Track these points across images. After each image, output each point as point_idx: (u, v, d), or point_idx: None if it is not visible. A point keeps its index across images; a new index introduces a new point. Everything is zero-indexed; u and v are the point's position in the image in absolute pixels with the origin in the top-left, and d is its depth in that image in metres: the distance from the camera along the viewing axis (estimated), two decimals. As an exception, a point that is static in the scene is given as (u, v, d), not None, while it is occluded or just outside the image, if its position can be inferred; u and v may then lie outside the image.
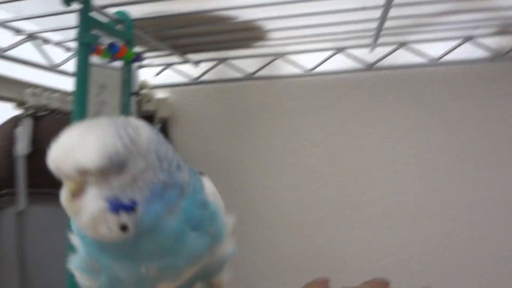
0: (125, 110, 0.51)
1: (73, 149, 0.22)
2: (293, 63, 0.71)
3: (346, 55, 0.69)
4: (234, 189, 0.76)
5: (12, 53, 0.53)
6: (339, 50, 0.69)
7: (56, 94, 0.58)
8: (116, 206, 0.23)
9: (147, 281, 0.27)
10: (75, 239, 0.28)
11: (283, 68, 0.73)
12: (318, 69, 0.71)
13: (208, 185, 0.30)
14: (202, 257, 0.28)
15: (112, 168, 0.22)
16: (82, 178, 0.22)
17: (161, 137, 0.26)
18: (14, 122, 0.55)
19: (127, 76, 0.50)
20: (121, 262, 0.26)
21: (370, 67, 0.70)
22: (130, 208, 0.23)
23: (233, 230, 0.32)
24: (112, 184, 0.23)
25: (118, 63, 0.49)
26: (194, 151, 0.77)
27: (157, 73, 0.75)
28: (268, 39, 0.66)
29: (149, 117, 0.74)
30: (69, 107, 0.60)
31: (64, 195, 0.23)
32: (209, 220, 0.28)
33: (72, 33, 0.56)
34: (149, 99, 0.74)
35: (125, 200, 0.23)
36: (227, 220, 0.31)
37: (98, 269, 0.28)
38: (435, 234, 0.70)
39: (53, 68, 0.60)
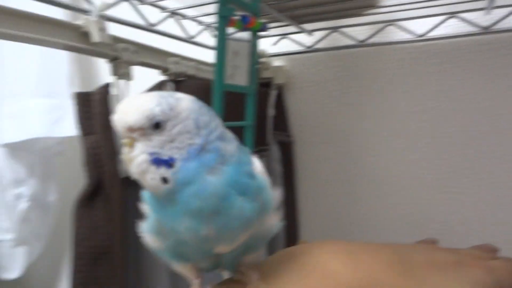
0: (252, 74, 0.58)
1: (124, 112, 0.28)
2: (404, 30, 0.73)
3: (459, 19, 0.69)
4: (343, 152, 0.81)
5: (158, 27, 0.63)
6: (452, 14, 0.69)
7: (192, 63, 0.68)
8: (156, 160, 0.27)
9: (207, 241, 0.29)
10: (145, 206, 0.32)
11: (394, 34, 0.76)
12: (430, 34, 0.72)
13: (257, 162, 0.33)
14: (253, 222, 0.30)
15: (150, 127, 0.27)
16: (131, 135, 0.28)
17: (205, 110, 0.30)
18: (159, 86, 0.66)
19: (255, 44, 0.57)
20: (180, 221, 0.28)
21: (485, 30, 0.69)
22: (168, 162, 0.27)
23: (278, 205, 0.34)
24: (153, 141, 0.28)
25: (245, 35, 0.57)
26: (307, 115, 0.84)
27: (274, 42, 0.82)
28: (379, 7, 0.69)
29: (266, 84, 0.81)
30: (202, 74, 0.70)
31: (122, 150, 0.28)
32: (256, 190, 0.30)
33: (204, 9, 0.65)
34: (267, 67, 0.81)
35: (164, 156, 0.27)
36: (274, 194, 0.33)
37: (165, 234, 0.31)
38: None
39: (189, 40, 0.69)
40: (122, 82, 0.57)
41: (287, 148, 0.84)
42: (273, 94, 0.81)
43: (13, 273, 1.02)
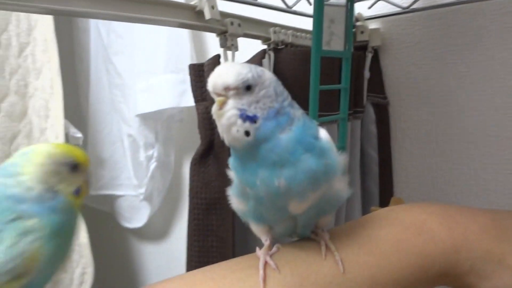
0: (348, 39, 0.61)
1: (222, 74, 0.33)
2: (510, -18, 0.70)
3: None
4: (441, 112, 0.81)
5: (261, 1, 0.69)
6: None
7: (290, 31, 0.72)
8: (244, 115, 0.33)
9: (279, 195, 0.34)
10: (231, 173, 0.37)
11: (498, -12, 0.73)
12: (539, -15, 0.68)
13: (322, 130, 0.37)
14: (320, 180, 0.34)
15: (243, 88, 0.33)
16: (225, 93, 0.33)
17: (280, 83, 0.36)
18: (262, 54, 0.70)
19: (350, 9, 0.60)
20: (256, 175, 0.34)
21: None
22: (252, 119, 0.33)
23: (346, 172, 0.37)
24: (243, 100, 0.33)
25: (341, 1, 0.60)
26: (403, 77, 0.84)
27: (370, 5, 0.83)
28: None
29: (362, 47, 0.83)
30: (300, 41, 0.74)
31: (214, 107, 0.33)
32: (320, 150, 0.35)
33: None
34: (363, 30, 0.82)
35: (250, 113, 0.33)
36: (340, 159, 0.36)
37: (247, 194, 0.36)
38: None
39: (288, 10, 0.74)
40: (229, 53, 0.63)
41: (382, 110, 0.86)
42: (369, 56, 0.82)
43: (139, 222, 1.20)
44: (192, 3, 0.58)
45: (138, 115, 1.11)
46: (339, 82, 0.65)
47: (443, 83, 0.80)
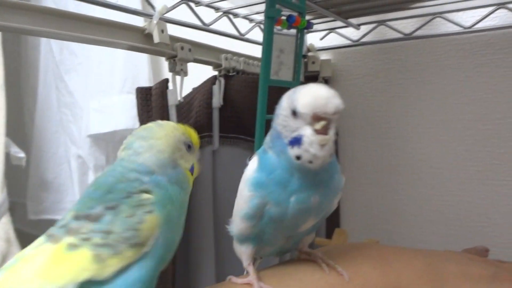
0: (297, 70, 0.62)
1: (331, 97, 0.31)
2: (451, 22, 0.74)
3: (508, 9, 0.69)
4: (387, 143, 0.83)
5: (212, 26, 0.69)
6: (500, 5, 0.69)
7: (241, 58, 0.73)
8: (335, 142, 0.32)
9: (305, 215, 0.34)
10: (249, 194, 0.35)
11: (442, 26, 0.76)
12: (477, 26, 0.72)
13: None
14: (337, 196, 0.36)
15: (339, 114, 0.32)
16: (331, 118, 0.31)
17: None
18: (212, 80, 0.70)
19: (300, 41, 0.61)
20: (293, 194, 0.33)
21: (536, 21, 0.68)
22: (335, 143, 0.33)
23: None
24: (335, 128, 0.32)
25: (292, 31, 0.61)
26: (352, 107, 0.86)
27: (322, 37, 0.85)
28: (423, 0, 0.70)
29: (313, 77, 0.85)
30: (251, 68, 0.74)
31: (310, 132, 0.31)
32: (339, 172, 0.36)
33: (255, 8, 0.69)
34: (314, 60, 0.84)
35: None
36: (342, 178, 0.37)
37: (260, 216, 0.35)
38: None
39: (240, 37, 0.74)
40: (178, 78, 0.63)
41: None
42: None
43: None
44: (141, 25, 0.58)
45: (89, 136, 1.07)
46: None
47: (390, 116, 0.82)
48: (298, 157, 0.31)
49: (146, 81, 1.02)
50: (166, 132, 0.35)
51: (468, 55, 0.75)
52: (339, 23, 0.79)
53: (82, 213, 0.29)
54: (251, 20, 0.76)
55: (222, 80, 0.70)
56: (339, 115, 0.31)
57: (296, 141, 0.31)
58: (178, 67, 0.62)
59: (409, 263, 0.38)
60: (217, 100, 0.70)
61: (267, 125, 0.56)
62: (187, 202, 0.35)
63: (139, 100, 0.65)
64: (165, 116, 0.63)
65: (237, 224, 0.37)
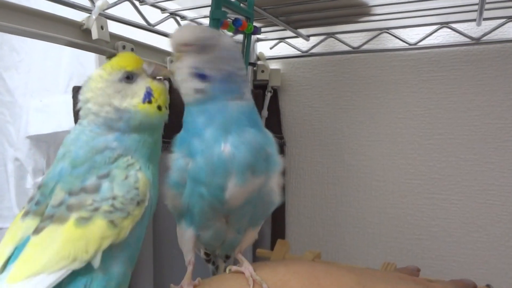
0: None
1: (184, 31, 0.35)
2: (397, 37, 0.75)
3: (451, 29, 0.71)
4: (333, 155, 0.83)
5: (158, 27, 0.66)
6: (444, 24, 0.71)
7: (189, 62, 0.71)
8: (196, 73, 0.34)
9: (221, 169, 0.34)
10: (173, 156, 0.36)
11: (388, 42, 0.78)
12: (422, 43, 0.74)
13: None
14: (260, 165, 0.35)
15: (199, 46, 0.34)
16: (182, 50, 0.34)
17: (240, 54, 0.37)
18: (156, 83, 0.68)
19: (247, 46, 0.60)
20: (203, 140, 0.34)
21: (476, 41, 0.71)
22: (204, 77, 0.34)
23: (280, 179, 0.38)
24: (197, 59, 0.34)
25: (240, 38, 0.60)
26: (299, 118, 0.86)
27: (271, 46, 0.85)
28: (372, 14, 0.71)
29: (262, 86, 0.84)
30: (198, 73, 0.72)
31: (172, 64, 0.35)
32: (266, 137, 0.37)
33: (203, 11, 0.68)
34: (263, 69, 0.84)
35: (202, 71, 0.34)
36: (280, 158, 0.37)
37: (184, 179, 0.35)
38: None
39: (188, 40, 0.72)
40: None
41: (279, 149, 0.86)
42: (268, 96, 0.83)
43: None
44: (80, 20, 0.55)
45: (28, 137, 1.01)
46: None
47: (336, 127, 0.83)
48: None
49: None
50: (91, 89, 0.33)
51: (412, 71, 0.77)
52: (289, 33, 0.79)
53: (76, 188, 0.30)
54: (199, 24, 0.74)
55: (167, 84, 0.68)
56: (191, 48, 0.34)
57: None
58: (119, 67, 0.59)
59: (338, 281, 0.37)
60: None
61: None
62: (154, 142, 0.34)
63: (76, 100, 0.61)
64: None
65: (167, 195, 0.37)
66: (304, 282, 0.36)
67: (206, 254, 0.44)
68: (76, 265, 0.27)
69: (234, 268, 0.37)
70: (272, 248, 0.75)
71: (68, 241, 0.28)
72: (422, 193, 0.77)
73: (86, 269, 0.28)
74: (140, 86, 0.33)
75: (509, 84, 0.71)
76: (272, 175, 0.36)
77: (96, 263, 0.28)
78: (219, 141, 0.33)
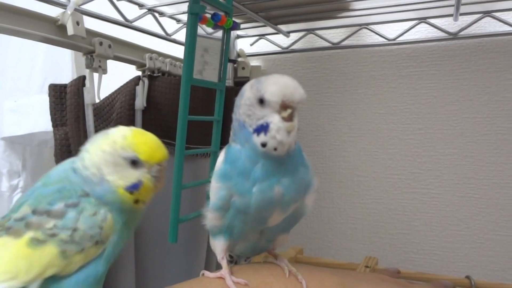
0: (223, 71, 0.60)
1: (296, 87, 0.34)
2: (377, 33, 0.76)
3: (429, 24, 0.72)
4: (314, 151, 0.83)
5: (136, 24, 0.65)
6: (422, 20, 0.72)
7: (167, 59, 0.70)
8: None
9: (269, 205, 0.35)
10: (216, 185, 0.36)
11: (368, 38, 0.78)
12: (401, 39, 0.75)
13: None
14: (303, 192, 0.36)
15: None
16: (295, 107, 0.33)
17: None
18: (136, 80, 0.67)
19: (226, 42, 0.59)
20: (256, 183, 0.34)
21: (453, 36, 0.72)
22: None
23: (315, 196, 0.39)
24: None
25: (219, 34, 0.59)
26: (282, 115, 0.86)
27: (252, 43, 0.84)
28: (351, 10, 0.71)
29: (243, 83, 0.83)
30: (177, 70, 0.71)
31: (278, 119, 0.33)
32: (306, 164, 0.37)
33: (182, 7, 0.67)
34: (244, 66, 0.83)
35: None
36: (315, 180, 0.38)
37: (228, 207, 0.36)
38: (513, 203, 0.72)
39: (166, 37, 0.71)
40: (96, 75, 0.59)
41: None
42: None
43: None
44: (55, 16, 0.53)
45: (3, 139, 0.99)
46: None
47: (318, 124, 0.83)
48: (263, 144, 0.33)
49: (69, 80, 0.95)
50: (97, 147, 0.32)
51: (391, 67, 0.77)
52: (269, 29, 0.79)
53: (41, 209, 0.30)
54: (178, 21, 0.74)
55: (146, 81, 0.67)
56: (302, 104, 0.33)
57: (262, 128, 0.33)
58: (96, 64, 0.58)
59: (321, 283, 0.38)
60: (140, 101, 0.66)
61: (189, 127, 0.54)
62: (125, 221, 0.33)
63: (52, 98, 0.60)
64: (81, 116, 0.58)
65: (208, 216, 0.38)
66: (286, 284, 0.37)
67: (230, 256, 0.45)
68: (14, 284, 0.27)
69: (270, 259, 0.40)
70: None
71: (14, 257, 0.28)
72: (403, 187, 0.77)
73: None
74: (135, 175, 0.32)
75: (486, 78, 0.72)
76: (307, 195, 0.37)
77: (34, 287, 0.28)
78: (272, 183, 0.34)
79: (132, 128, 0.34)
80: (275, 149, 0.32)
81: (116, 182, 0.32)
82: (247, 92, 0.35)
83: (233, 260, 0.46)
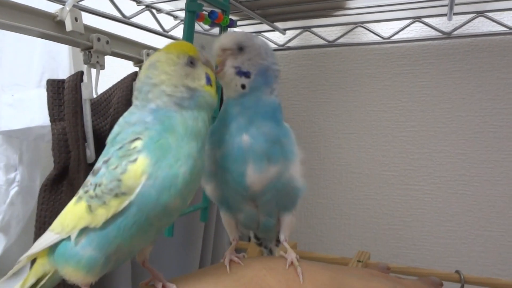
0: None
1: (221, 39, 0.39)
2: (372, 32, 0.77)
3: (424, 23, 0.73)
4: (309, 148, 0.84)
5: (133, 20, 0.66)
6: (416, 19, 0.73)
7: (165, 55, 0.70)
8: (239, 72, 0.38)
9: (240, 157, 0.37)
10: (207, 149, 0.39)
11: (363, 36, 0.79)
12: (395, 37, 0.76)
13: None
14: (276, 154, 0.38)
15: (236, 48, 0.39)
16: (223, 54, 0.38)
17: (272, 50, 0.42)
18: (133, 76, 0.68)
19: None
20: (229, 133, 0.37)
21: (447, 35, 0.73)
22: (246, 74, 0.38)
23: (304, 167, 0.41)
24: (237, 59, 0.38)
25: (216, 31, 0.60)
26: (278, 111, 0.87)
27: (248, 39, 0.85)
28: (347, 8, 0.72)
29: (240, 79, 0.84)
30: (175, 66, 0.72)
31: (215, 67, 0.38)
32: (284, 129, 0.40)
33: (179, 4, 0.67)
34: (240, 63, 0.84)
35: (244, 69, 0.38)
36: (299, 149, 0.40)
37: (215, 171, 0.39)
38: (503, 202, 0.73)
39: (164, 33, 0.72)
40: (94, 71, 0.59)
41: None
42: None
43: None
44: (53, 11, 0.54)
45: (0, 133, 0.99)
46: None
47: (313, 120, 0.84)
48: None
49: (66, 75, 0.96)
50: (158, 74, 0.34)
51: (386, 65, 0.78)
52: (265, 27, 0.80)
53: (95, 168, 0.32)
54: (175, 17, 0.74)
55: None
56: (230, 51, 0.38)
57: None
58: (94, 59, 0.58)
59: (313, 276, 0.38)
60: (137, 97, 0.67)
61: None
62: (201, 125, 0.34)
63: (50, 93, 0.60)
64: (79, 111, 0.59)
65: (207, 188, 0.41)
66: (280, 278, 0.37)
67: (257, 238, 0.48)
68: (63, 235, 0.31)
69: (281, 253, 0.41)
70: (249, 240, 0.76)
71: (66, 213, 0.32)
72: (396, 184, 0.79)
73: (68, 241, 0.31)
74: (201, 71, 0.36)
75: (479, 77, 0.73)
76: (290, 164, 0.39)
77: (73, 238, 0.31)
78: (241, 132, 0.37)
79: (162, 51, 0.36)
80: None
81: (199, 84, 0.35)
82: None
83: (261, 244, 0.48)
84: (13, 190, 1.02)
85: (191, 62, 0.35)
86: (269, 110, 0.39)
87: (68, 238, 0.31)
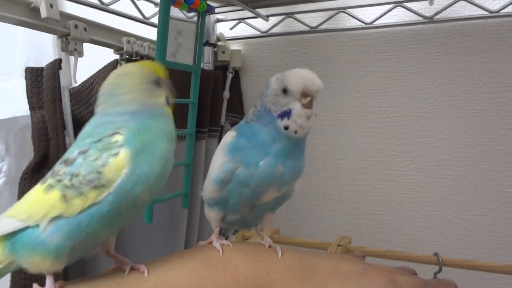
0: (198, 55, 0.61)
1: (315, 78, 0.38)
2: (354, 17, 0.76)
3: (405, 8, 0.73)
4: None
5: (113, 7, 0.65)
6: (398, 3, 0.73)
7: (146, 43, 0.70)
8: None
9: (269, 182, 0.38)
10: (222, 158, 0.40)
11: (345, 21, 0.79)
12: (377, 22, 0.75)
13: None
14: (297, 178, 0.40)
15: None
16: (315, 95, 0.37)
17: None
18: (114, 64, 0.67)
19: (201, 25, 0.60)
20: (264, 159, 0.38)
21: (429, 20, 0.73)
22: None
23: (302, 182, 0.42)
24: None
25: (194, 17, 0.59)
26: (263, 99, 0.87)
27: (231, 27, 0.85)
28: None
29: (223, 67, 0.84)
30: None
31: (299, 106, 0.37)
32: (304, 165, 0.41)
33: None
34: (224, 50, 0.83)
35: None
36: (305, 167, 0.42)
37: (230, 179, 0.39)
38: (485, 186, 0.73)
39: (144, 20, 0.72)
40: (72, 58, 0.59)
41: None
42: (229, 77, 0.83)
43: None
44: (28, -1, 0.54)
45: (-14, 122, 0.99)
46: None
47: (297, 107, 0.84)
48: (286, 127, 0.37)
49: (51, 63, 0.96)
50: (131, 85, 0.35)
51: (369, 50, 0.78)
52: (248, 13, 0.79)
53: (64, 158, 0.32)
54: (156, 4, 0.74)
55: (124, 64, 0.67)
56: (320, 93, 0.37)
57: (285, 114, 0.37)
58: (72, 47, 0.58)
59: (282, 258, 0.39)
60: (119, 85, 0.66)
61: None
62: (171, 131, 0.36)
63: (29, 81, 0.60)
64: (57, 99, 0.59)
65: (207, 188, 0.42)
66: (247, 258, 0.38)
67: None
68: (30, 223, 0.31)
69: (257, 240, 0.43)
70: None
71: (34, 200, 0.32)
72: (380, 169, 0.79)
73: (36, 229, 0.31)
74: (163, 92, 0.37)
75: (461, 61, 0.73)
76: (299, 179, 0.41)
77: (42, 226, 0.30)
78: (278, 161, 0.38)
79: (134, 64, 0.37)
80: (296, 132, 0.37)
81: (158, 102, 0.36)
82: (273, 84, 0.39)
83: (222, 233, 0.49)
84: (0, 180, 1.02)
85: (158, 83, 0.36)
86: (304, 148, 0.41)
87: (35, 226, 0.31)
